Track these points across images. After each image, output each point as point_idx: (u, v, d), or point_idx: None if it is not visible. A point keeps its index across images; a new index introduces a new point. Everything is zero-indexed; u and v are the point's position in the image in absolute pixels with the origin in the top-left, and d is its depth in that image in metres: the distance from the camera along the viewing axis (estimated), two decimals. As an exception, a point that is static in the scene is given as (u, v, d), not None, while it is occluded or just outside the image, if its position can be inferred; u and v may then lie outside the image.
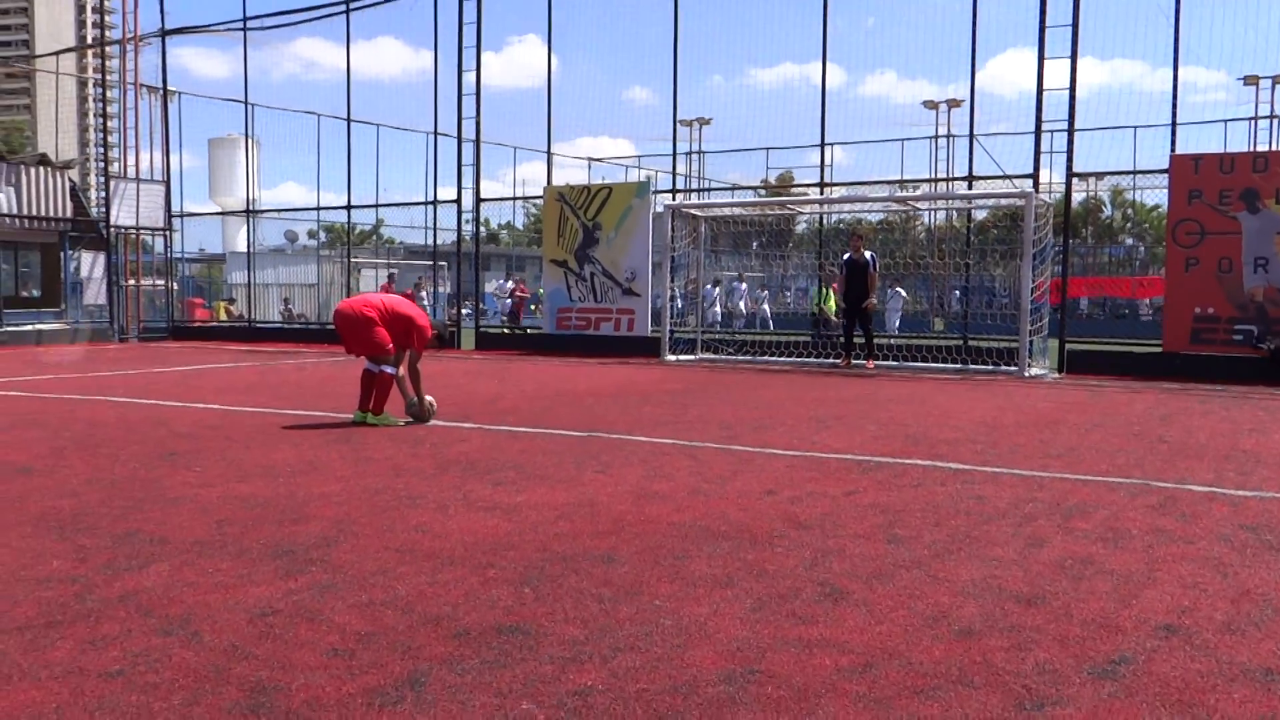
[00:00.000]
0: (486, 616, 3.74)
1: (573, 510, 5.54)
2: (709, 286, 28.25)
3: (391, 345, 9.03)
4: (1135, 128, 23.56)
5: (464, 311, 24.45)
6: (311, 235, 47.97)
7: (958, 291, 27.34)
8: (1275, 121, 30.75)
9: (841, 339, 17.13)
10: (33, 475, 6.57)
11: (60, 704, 2.94)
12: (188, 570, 4.34)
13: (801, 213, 20.52)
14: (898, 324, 28.12)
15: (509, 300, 33.51)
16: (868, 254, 16.48)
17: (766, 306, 31.41)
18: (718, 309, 28.02)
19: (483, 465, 6.98)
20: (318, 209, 27.49)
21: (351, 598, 3.96)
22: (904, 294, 28.60)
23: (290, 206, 32.80)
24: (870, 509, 5.62)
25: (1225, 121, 29.15)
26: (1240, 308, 14.61)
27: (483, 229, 23.49)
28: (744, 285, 31.42)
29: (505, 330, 23.81)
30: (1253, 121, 30.44)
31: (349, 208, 24.47)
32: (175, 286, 27.63)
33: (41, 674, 3.16)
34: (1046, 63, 16.00)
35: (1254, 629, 3.66)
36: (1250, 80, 31.33)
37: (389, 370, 9.05)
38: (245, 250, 28.81)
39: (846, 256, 16.68)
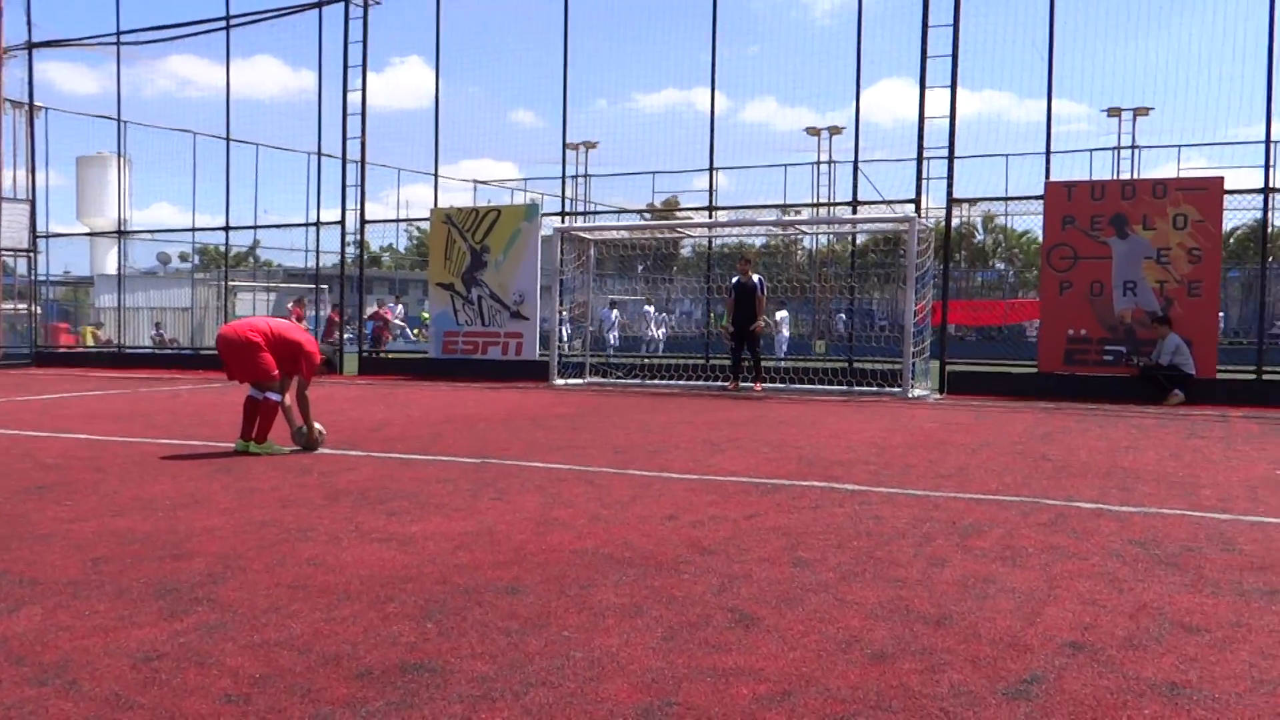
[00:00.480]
0: (389, 654, 3.58)
1: (471, 540, 5.39)
2: (605, 309, 28.20)
3: (277, 372, 8.73)
4: (1008, 155, 24.37)
5: (347, 336, 23.94)
6: (184, 258, 46.52)
7: (841, 315, 27.84)
8: (1136, 151, 32.19)
9: (729, 362, 17.25)
10: (-115, 513, 6.13)
11: (-76, 766, 2.70)
12: (62, 613, 4.07)
13: (689, 236, 20.65)
14: (785, 348, 28.48)
15: (369, 324, 32.93)
16: (755, 277, 16.65)
17: (657, 330, 31.49)
18: (615, 333, 27.95)
19: (374, 495, 6.77)
20: (193, 230, 26.60)
21: (243, 638, 3.75)
22: (787, 316, 28.98)
23: (164, 227, 31.66)
24: (772, 532, 5.60)
25: (1090, 151, 30.40)
26: (1111, 329, 15.17)
27: (366, 252, 23.01)
28: (651, 309, 31.42)
29: (374, 355, 23.30)
30: (1116, 151, 31.83)
31: (227, 229, 23.79)
32: (39, 310, 26.43)
33: (-99, 733, 2.91)
34: (927, 92, 16.43)
35: (1154, 644, 3.73)
36: (1113, 112, 32.80)
37: (274, 397, 8.75)
38: (115, 273, 27.74)
39: (735, 280, 16.82)
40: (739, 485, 7.18)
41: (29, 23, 24.14)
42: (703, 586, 4.48)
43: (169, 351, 28.01)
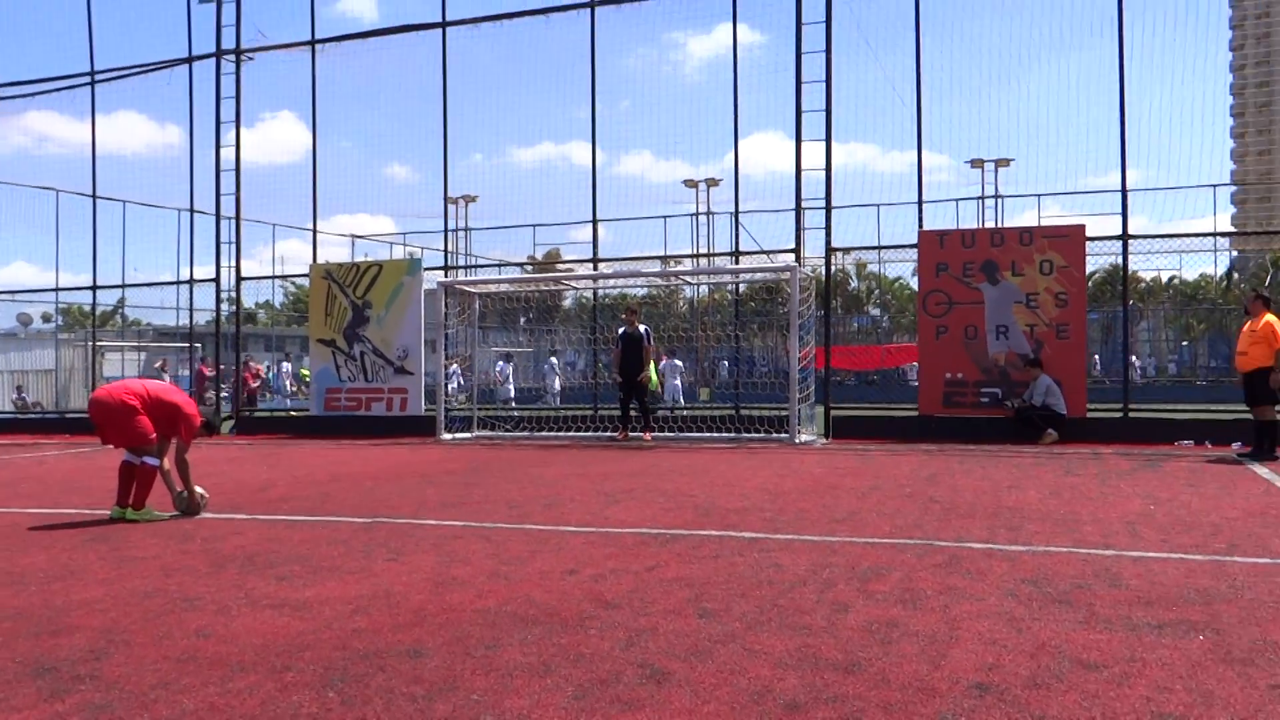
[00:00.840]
0: (291, 727, 3.44)
1: (368, 603, 5.24)
2: (501, 362, 27.95)
3: (154, 435, 8.41)
4: (880, 205, 25.09)
5: (222, 395, 23.21)
6: (46, 319, 44.68)
7: (725, 362, 28.12)
8: (1000, 200, 33.53)
9: (619, 412, 17.26)
10: None
11: None
12: (-69, 699, 3.81)
13: (574, 288, 20.69)
14: (680, 396, 28.58)
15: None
16: (642, 327, 16.76)
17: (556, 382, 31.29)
18: (511, 386, 27.68)
19: (263, 559, 6.54)
20: (56, 290, 25.59)
21: (132, 718, 3.56)
22: (680, 364, 29.15)
23: (25, 288, 30.38)
24: (675, 583, 5.58)
25: (957, 201, 31.47)
26: (985, 371, 15.67)
27: (241, 309, 22.43)
28: (555, 360, 31.21)
29: (250, 414, 22.68)
30: (980, 200, 33.09)
31: (94, 288, 22.98)
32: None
33: None
34: (803, 145, 16.86)
35: (1056, 682, 3.81)
36: (976, 163, 34.15)
37: (151, 462, 8.42)
38: (-29, 335, 26.48)
39: (621, 331, 16.89)
40: (637, 537, 7.15)
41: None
42: (610, 642, 4.43)
43: (32, 416, 26.77)
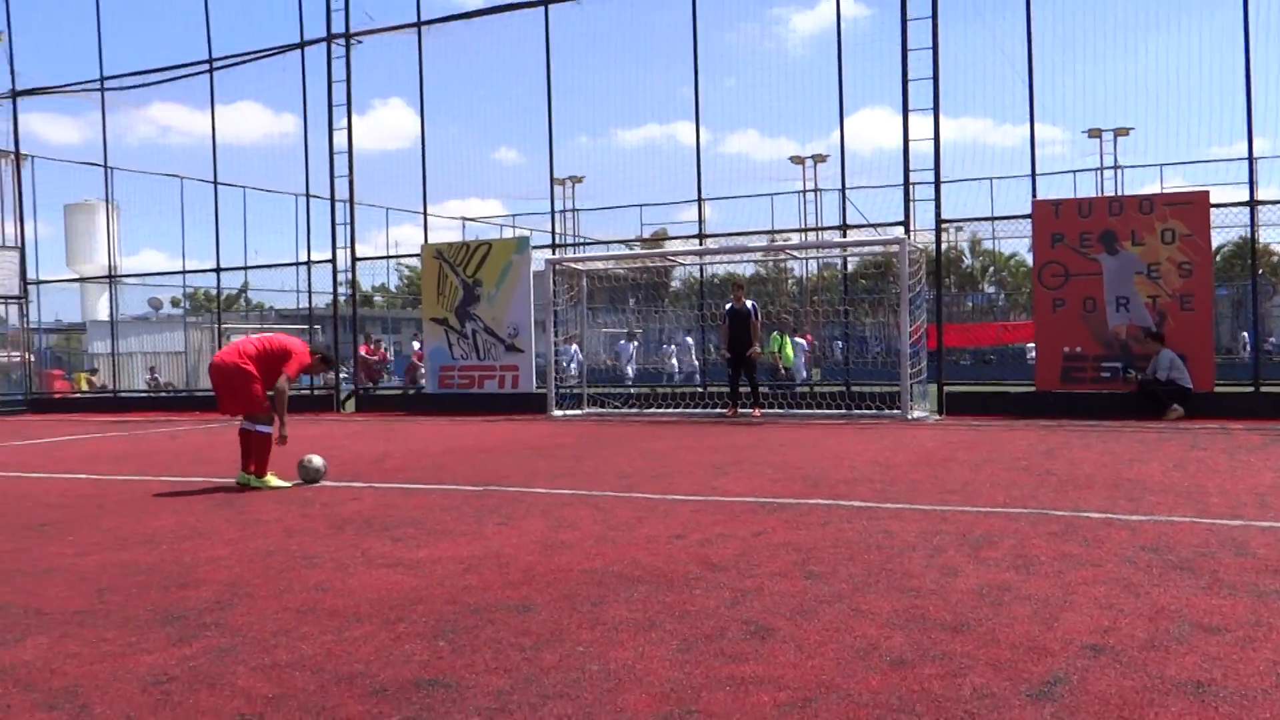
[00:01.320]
0: (402, 672, 3.53)
1: (479, 563, 5.35)
2: (622, 341, 28.09)
3: (267, 404, 8.68)
4: (993, 179, 24.40)
5: (342, 375, 23.84)
6: (176, 303, 46.48)
7: (837, 341, 27.69)
8: (1119, 171, 32.38)
9: (727, 388, 17.21)
10: (-116, 553, 6.07)
11: (-64, 790, 2.65)
12: (69, 641, 4.02)
13: (680, 263, 20.67)
14: (805, 373, 28.09)
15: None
16: (749, 303, 16.64)
17: (676, 361, 31.12)
18: (633, 366, 27.75)
19: (379, 523, 6.72)
20: (183, 272, 26.57)
21: (254, 660, 3.70)
22: (804, 343, 28.68)
23: (154, 271, 31.62)
24: (782, 548, 5.56)
25: (1074, 172, 30.45)
26: (1106, 345, 15.18)
27: (358, 291, 23.01)
28: (689, 339, 30.93)
29: (368, 391, 23.23)
30: (1099, 172, 32.01)
31: (218, 270, 23.77)
32: (32, 358, 26.33)
33: (-89, 759, 2.86)
34: (910, 115, 16.52)
35: (1176, 644, 3.69)
36: (1094, 133, 32.98)
37: (264, 429, 8.70)
38: (107, 319, 27.67)
39: (729, 306, 16.80)
40: (745, 505, 7.14)
41: (12, 71, 24.24)
42: (715, 600, 4.44)
43: (164, 395, 27.91)
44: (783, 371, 21.99)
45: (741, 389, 16.74)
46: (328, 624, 4.19)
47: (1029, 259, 16.63)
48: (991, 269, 48.80)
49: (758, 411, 16.40)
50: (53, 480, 9.68)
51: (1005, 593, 4.48)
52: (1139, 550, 5.31)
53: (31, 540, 6.38)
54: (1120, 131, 32.81)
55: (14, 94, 24.29)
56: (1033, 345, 18.14)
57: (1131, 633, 3.85)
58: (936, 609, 4.22)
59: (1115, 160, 33.40)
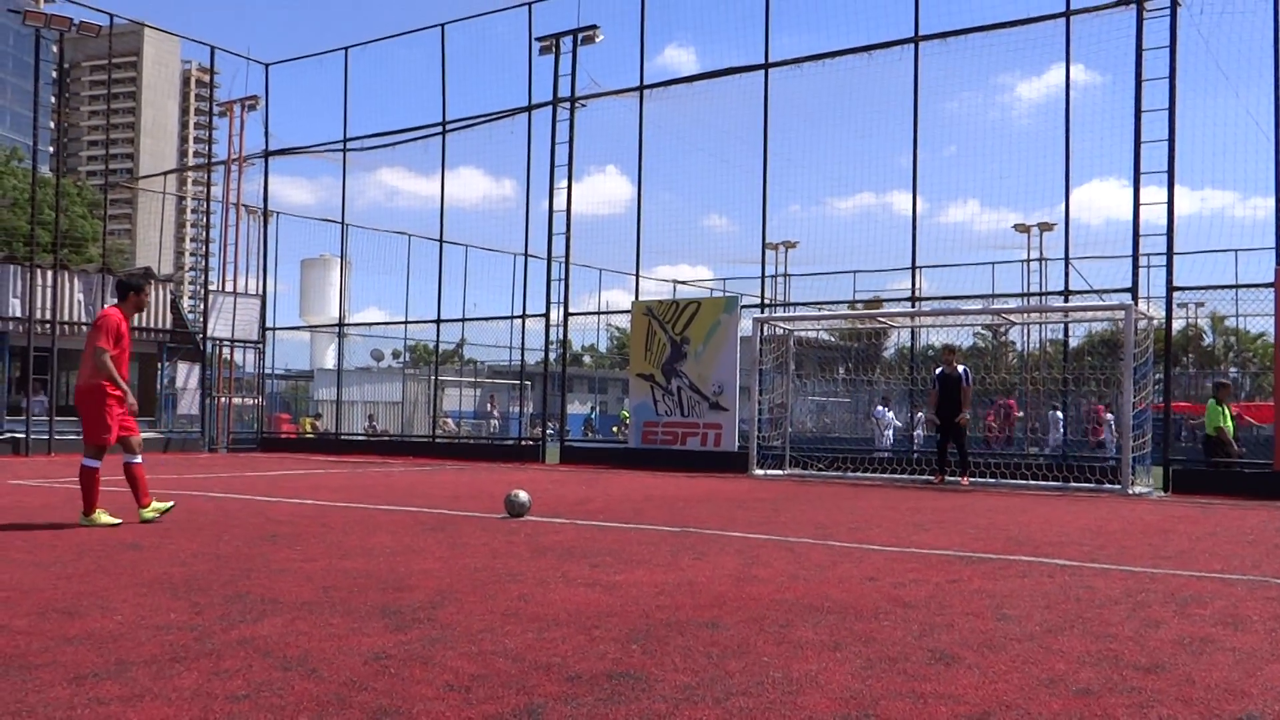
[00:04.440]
0: (596, 665, 3.75)
1: (673, 588, 5.54)
2: (880, 408, 28.05)
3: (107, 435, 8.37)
4: (1237, 250, 23.08)
5: (549, 430, 24.65)
6: (396, 355, 49.12)
7: (1058, 415, 26.53)
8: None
9: (935, 454, 16.86)
10: (141, 550, 6.77)
11: (192, 718, 3.02)
12: (300, 623, 4.43)
13: (893, 325, 20.46)
14: (1059, 450, 26.71)
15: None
16: (960, 368, 16.33)
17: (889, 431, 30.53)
18: (890, 433, 27.62)
19: (579, 551, 7.01)
20: (405, 323, 28.19)
21: (461, 648, 4.00)
22: (1059, 417, 27.47)
23: (379, 322, 33.66)
24: (976, 594, 5.52)
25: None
26: (1351, 425, 14.13)
27: (567, 350, 23.88)
28: (887, 411, 30.54)
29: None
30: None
31: (438, 321, 25.09)
32: (264, 402, 28.39)
33: (171, 696, 3.25)
34: (1142, 179, 15.95)
35: (1394, 699, 3.51)
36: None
37: (90, 463, 8.32)
38: (333, 368, 29.58)
39: (939, 370, 16.53)
40: (941, 557, 7.07)
41: (266, 133, 26.55)
42: (903, 631, 4.47)
43: (382, 439, 29.53)
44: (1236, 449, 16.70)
45: (951, 456, 16.39)
46: (529, 626, 4.45)
47: (1275, 332, 15.62)
48: (1235, 349, 45.93)
49: (965, 479, 16.01)
50: (281, 503, 10.48)
51: (1208, 644, 4.33)
52: (1366, 618, 5.00)
53: (264, 547, 6.97)
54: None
55: (266, 154, 26.57)
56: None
57: (1345, 687, 3.67)
58: (1132, 653, 4.13)
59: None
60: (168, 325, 25.86)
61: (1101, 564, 6.86)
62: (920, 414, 21.09)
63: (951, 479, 16.21)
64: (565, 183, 21.81)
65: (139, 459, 8.52)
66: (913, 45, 17.85)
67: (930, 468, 16.99)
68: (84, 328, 22.78)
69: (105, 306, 9.00)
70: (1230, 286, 17.48)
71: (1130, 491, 14.67)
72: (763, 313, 20.75)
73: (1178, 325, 28.81)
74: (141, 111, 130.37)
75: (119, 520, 8.24)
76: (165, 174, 34.50)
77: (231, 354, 26.71)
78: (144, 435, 23.51)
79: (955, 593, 5.54)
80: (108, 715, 3.06)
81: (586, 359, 58.56)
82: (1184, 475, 15.64)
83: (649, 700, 3.29)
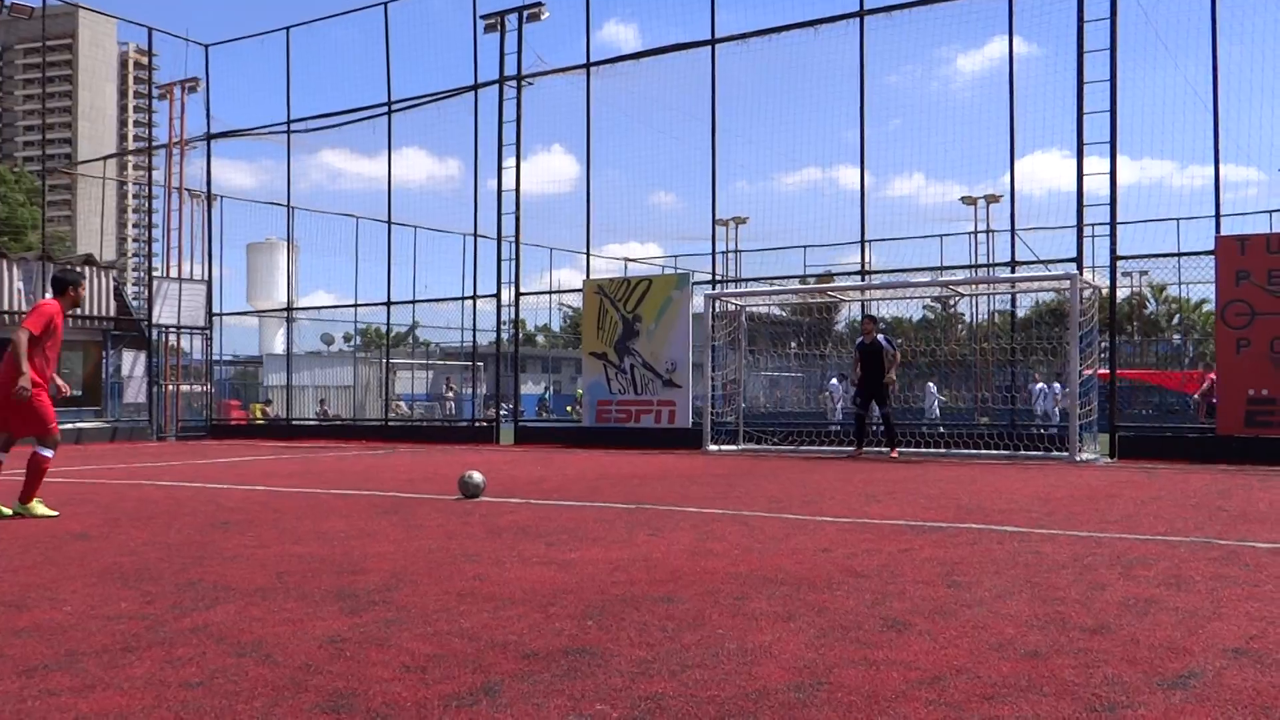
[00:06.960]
0: (553, 642, 3.77)
1: (628, 564, 5.56)
2: (833, 381, 28.18)
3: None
4: (1179, 219, 23.48)
5: (501, 410, 24.59)
6: (347, 339, 48.71)
7: (1044, 387, 27.09)
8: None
9: (854, 427, 16.79)
10: (90, 540, 6.69)
11: (146, 706, 3.00)
12: (253, 609, 4.40)
13: (844, 299, 20.60)
14: (937, 413, 27.82)
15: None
16: (881, 337, 16.34)
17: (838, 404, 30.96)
18: (841, 406, 27.90)
19: (534, 530, 7.02)
20: (355, 306, 27.94)
21: (417, 629, 4.00)
22: (935, 390, 28.27)
23: (328, 305, 33.35)
24: (927, 562, 5.60)
25: (1270, 213, 28.94)
26: (1291, 388, 14.45)
27: (520, 330, 23.83)
28: (837, 382, 30.94)
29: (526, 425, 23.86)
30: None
31: (389, 304, 24.90)
32: (213, 388, 28.06)
33: (124, 685, 3.23)
34: (1085, 148, 16.15)
35: (1328, 652, 3.61)
36: (1288, 172, 31.37)
37: (44, 452, 8.23)
38: (282, 353, 29.27)
39: (860, 341, 16.54)
40: (894, 527, 7.16)
41: (208, 115, 26.15)
42: (856, 601, 4.54)
43: (334, 424, 29.31)
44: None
45: (871, 426, 16.43)
46: (484, 605, 4.46)
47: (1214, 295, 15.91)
48: (1178, 317, 46.72)
49: (895, 452, 16.01)
50: (233, 490, 10.38)
51: (1152, 605, 4.43)
52: (1303, 575, 5.15)
53: (216, 534, 6.91)
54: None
55: (208, 136, 26.17)
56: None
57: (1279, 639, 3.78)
58: (1079, 615, 4.22)
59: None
60: (112, 313, 25.46)
61: (1049, 530, 6.99)
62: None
63: (876, 449, 16.21)
64: (513, 161, 21.72)
65: (50, 453, 8.30)
66: (858, 19, 17.91)
67: (850, 439, 16.91)
68: (22, 317, 22.38)
69: (42, 300, 8.79)
70: (1172, 255, 17.78)
71: (1078, 459, 14.92)
72: (714, 289, 20.83)
73: (1122, 294, 29.39)
74: (78, 95, 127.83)
75: (56, 512, 8.12)
76: (105, 159, 33.78)
77: (178, 341, 26.36)
78: (91, 424, 23.16)
79: (907, 561, 5.62)
80: (59, 706, 3.03)
81: (540, 339, 58.40)
82: (1130, 441, 15.94)
83: (605, 675, 3.31)
